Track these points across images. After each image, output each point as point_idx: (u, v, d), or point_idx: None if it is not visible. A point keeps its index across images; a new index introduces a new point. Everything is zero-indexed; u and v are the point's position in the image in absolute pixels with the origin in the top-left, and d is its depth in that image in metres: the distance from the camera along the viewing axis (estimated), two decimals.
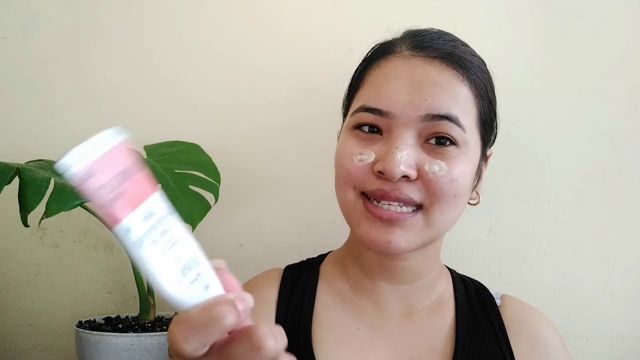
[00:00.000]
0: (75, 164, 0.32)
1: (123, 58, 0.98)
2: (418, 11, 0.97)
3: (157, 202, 0.36)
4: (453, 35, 0.70)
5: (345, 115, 0.74)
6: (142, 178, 0.35)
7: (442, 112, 0.63)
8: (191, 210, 0.77)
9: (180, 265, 0.37)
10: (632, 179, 0.95)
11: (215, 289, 0.38)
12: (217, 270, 0.41)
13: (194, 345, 0.37)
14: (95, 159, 0.33)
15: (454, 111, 0.63)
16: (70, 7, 0.99)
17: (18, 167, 0.70)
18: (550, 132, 0.96)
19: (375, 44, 0.72)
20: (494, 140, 0.74)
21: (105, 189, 0.33)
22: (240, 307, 0.37)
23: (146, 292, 0.82)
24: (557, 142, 0.95)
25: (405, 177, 0.62)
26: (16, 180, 0.70)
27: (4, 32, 0.98)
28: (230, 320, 0.36)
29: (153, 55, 0.98)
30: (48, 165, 0.78)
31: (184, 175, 0.81)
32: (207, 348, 0.38)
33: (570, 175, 0.95)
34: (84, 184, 0.33)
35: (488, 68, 0.70)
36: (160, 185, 0.37)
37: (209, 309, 0.37)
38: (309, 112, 0.96)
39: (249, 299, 0.38)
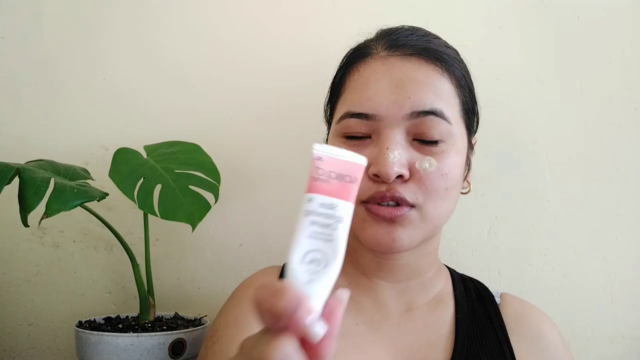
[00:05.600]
0: (319, 149, 0.46)
1: (123, 58, 0.98)
2: (417, 10, 0.97)
3: (343, 208, 0.44)
4: (425, 30, 0.71)
5: (329, 121, 0.74)
6: (349, 189, 0.45)
7: (427, 107, 0.64)
8: (191, 210, 0.77)
9: (313, 255, 0.42)
10: (632, 179, 0.95)
11: (315, 289, 0.41)
12: (334, 297, 0.42)
13: (255, 296, 0.38)
14: (329, 155, 0.46)
15: (438, 105, 0.64)
16: (70, 8, 0.99)
17: (18, 167, 0.70)
18: (550, 132, 0.96)
19: (349, 48, 0.73)
20: (477, 127, 0.74)
21: (320, 171, 0.45)
22: (297, 312, 0.37)
23: (146, 292, 0.82)
24: (557, 142, 0.95)
25: (400, 176, 0.63)
26: (16, 180, 0.70)
27: (4, 32, 0.98)
28: (277, 304, 0.37)
29: (153, 56, 0.99)
30: (48, 165, 0.78)
31: (184, 175, 0.81)
32: (262, 321, 0.39)
33: (570, 175, 0.95)
34: (314, 161, 0.46)
35: (462, 57, 0.71)
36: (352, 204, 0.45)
37: (281, 286, 0.38)
38: (309, 112, 0.95)
39: (314, 327, 0.38)
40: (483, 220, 0.96)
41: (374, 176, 0.63)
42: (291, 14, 0.98)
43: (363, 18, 0.96)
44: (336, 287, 0.72)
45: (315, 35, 0.98)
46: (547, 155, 0.95)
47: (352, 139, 0.66)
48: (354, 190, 0.45)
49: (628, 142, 0.95)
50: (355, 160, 0.47)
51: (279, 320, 0.37)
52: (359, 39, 0.73)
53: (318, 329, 0.39)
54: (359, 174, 0.46)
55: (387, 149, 0.63)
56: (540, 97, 0.96)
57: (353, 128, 0.66)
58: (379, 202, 0.64)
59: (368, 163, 0.64)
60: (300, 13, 0.98)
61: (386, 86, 0.65)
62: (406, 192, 0.63)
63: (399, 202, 0.63)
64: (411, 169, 0.63)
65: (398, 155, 0.62)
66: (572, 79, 0.96)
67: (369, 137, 0.66)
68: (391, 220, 0.63)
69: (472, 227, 0.95)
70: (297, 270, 0.42)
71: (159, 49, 0.99)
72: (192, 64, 0.98)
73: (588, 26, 0.96)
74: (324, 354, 0.39)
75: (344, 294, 0.42)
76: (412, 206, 0.64)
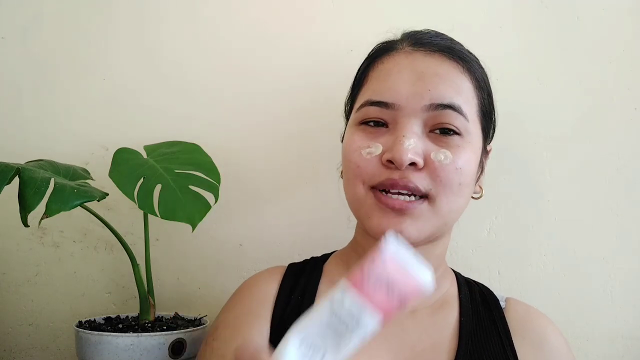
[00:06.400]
0: (390, 243, 0.41)
1: (123, 58, 0.98)
2: (418, 11, 0.97)
3: (370, 319, 0.41)
4: (449, 36, 0.73)
5: (348, 116, 0.75)
6: (390, 307, 0.41)
7: (446, 101, 0.65)
8: (191, 210, 0.77)
9: (315, 341, 0.41)
10: (632, 179, 0.95)
11: None
12: None
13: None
14: (396, 258, 0.40)
15: (457, 101, 0.65)
16: (70, 7, 0.99)
17: (18, 167, 0.70)
18: (550, 131, 0.96)
19: (377, 43, 0.74)
20: (493, 135, 0.75)
21: (373, 268, 0.40)
22: None
23: (146, 292, 0.82)
24: (557, 142, 0.95)
25: (413, 165, 0.63)
26: (16, 180, 0.70)
27: (4, 32, 0.98)
28: None
29: (153, 56, 0.98)
30: (48, 165, 0.78)
31: (184, 175, 0.81)
32: None
33: (570, 175, 0.95)
34: (378, 254, 0.40)
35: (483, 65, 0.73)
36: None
37: None
38: (309, 112, 0.96)
39: None
40: (483, 220, 0.96)
41: (388, 162, 0.64)
42: (292, 14, 0.98)
43: (363, 19, 0.97)
44: (340, 286, 0.72)
45: (317, 36, 0.98)
46: (547, 155, 0.95)
47: (369, 127, 0.67)
48: (394, 312, 0.41)
49: (628, 143, 0.95)
50: (418, 279, 0.41)
51: None
52: (388, 35, 0.74)
53: None
54: (412, 299, 0.41)
55: (404, 136, 0.63)
56: (540, 97, 0.96)
57: (371, 116, 0.67)
58: (389, 189, 0.64)
59: (382, 150, 0.65)
60: (301, 14, 0.98)
61: (407, 77, 0.66)
62: (419, 180, 0.64)
63: (411, 191, 0.64)
64: (426, 159, 0.64)
65: (414, 143, 0.63)
66: (572, 79, 0.96)
67: (387, 126, 0.66)
68: (400, 211, 0.64)
69: (472, 227, 0.95)
70: (291, 350, 0.40)
71: (159, 49, 0.99)
72: (192, 64, 0.98)
73: (588, 26, 0.96)
74: None
75: None
76: (424, 196, 0.64)
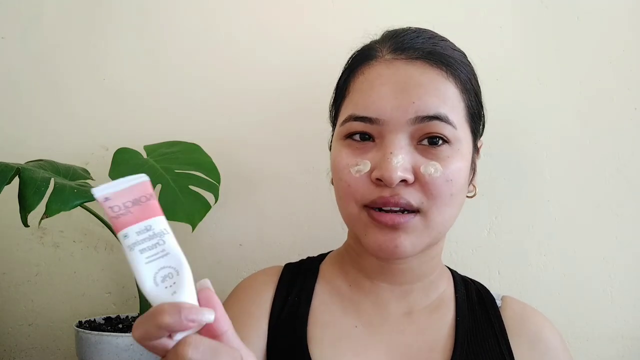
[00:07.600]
0: (100, 191, 0.46)
1: (123, 59, 0.98)
2: (418, 10, 0.97)
3: (158, 224, 0.46)
4: (431, 32, 0.70)
5: (334, 124, 0.74)
6: (151, 206, 0.47)
7: (431, 112, 0.63)
8: (191, 210, 0.77)
9: (162, 273, 0.45)
10: (632, 179, 0.95)
11: (184, 297, 0.44)
12: (202, 288, 0.46)
13: (138, 332, 0.42)
14: (113, 191, 0.46)
15: (443, 110, 0.63)
16: (70, 8, 0.99)
17: (18, 167, 0.70)
18: (550, 132, 0.96)
19: (354, 50, 0.72)
20: (482, 130, 0.73)
21: (116, 208, 0.46)
22: (183, 314, 0.41)
23: None
24: (557, 142, 0.95)
25: (403, 181, 0.62)
26: (16, 180, 0.70)
27: (4, 32, 0.98)
28: (164, 320, 0.41)
29: (153, 56, 0.99)
30: (48, 165, 0.78)
31: (184, 175, 0.81)
32: (154, 341, 0.42)
33: (570, 175, 0.95)
34: (104, 204, 0.46)
35: (469, 59, 0.70)
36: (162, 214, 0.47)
37: (156, 308, 0.42)
38: (310, 112, 0.96)
39: (203, 314, 0.43)
40: (483, 220, 0.96)
41: (377, 180, 0.63)
42: (291, 14, 0.98)
43: (363, 17, 0.97)
44: (335, 288, 0.72)
45: (316, 35, 0.98)
46: (547, 155, 0.95)
47: (355, 142, 0.66)
48: (156, 204, 0.47)
49: (628, 143, 0.95)
50: (138, 181, 0.47)
51: (173, 330, 0.41)
52: (365, 40, 0.73)
53: (208, 315, 0.43)
54: (150, 189, 0.47)
55: (391, 153, 0.62)
56: (540, 97, 0.96)
57: (356, 131, 0.65)
58: (382, 207, 0.63)
59: (371, 167, 0.64)
60: (301, 13, 0.98)
61: (390, 90, 0.64)
62: (410, 196, 0.63)
63: (403, 208, 0.63)
64: (416, 173, 0.63)
65: (402, 159, 0.62)
66: (572, 79, 0.96)
67: (373, 140, 0.65)
68: (394, 227, 0.63)
69: (472, 227, 0.95)
70: (157, 292, 0.44)
71: (159, 49, 0.99)
72: (192, 64, 0.98)
73: (588, 26, 0.96)
74: (223, 328, 0.45)
75: (206, 283, 0.46)
76: (416, 211, 0.63)
